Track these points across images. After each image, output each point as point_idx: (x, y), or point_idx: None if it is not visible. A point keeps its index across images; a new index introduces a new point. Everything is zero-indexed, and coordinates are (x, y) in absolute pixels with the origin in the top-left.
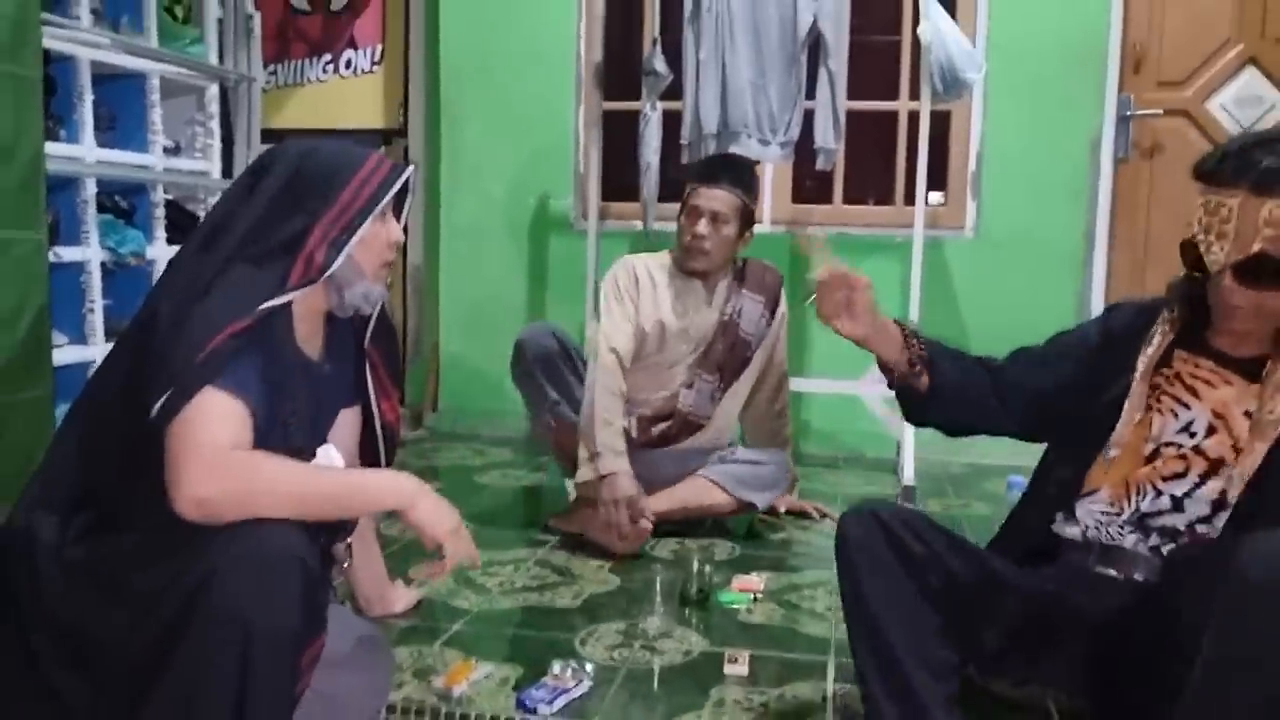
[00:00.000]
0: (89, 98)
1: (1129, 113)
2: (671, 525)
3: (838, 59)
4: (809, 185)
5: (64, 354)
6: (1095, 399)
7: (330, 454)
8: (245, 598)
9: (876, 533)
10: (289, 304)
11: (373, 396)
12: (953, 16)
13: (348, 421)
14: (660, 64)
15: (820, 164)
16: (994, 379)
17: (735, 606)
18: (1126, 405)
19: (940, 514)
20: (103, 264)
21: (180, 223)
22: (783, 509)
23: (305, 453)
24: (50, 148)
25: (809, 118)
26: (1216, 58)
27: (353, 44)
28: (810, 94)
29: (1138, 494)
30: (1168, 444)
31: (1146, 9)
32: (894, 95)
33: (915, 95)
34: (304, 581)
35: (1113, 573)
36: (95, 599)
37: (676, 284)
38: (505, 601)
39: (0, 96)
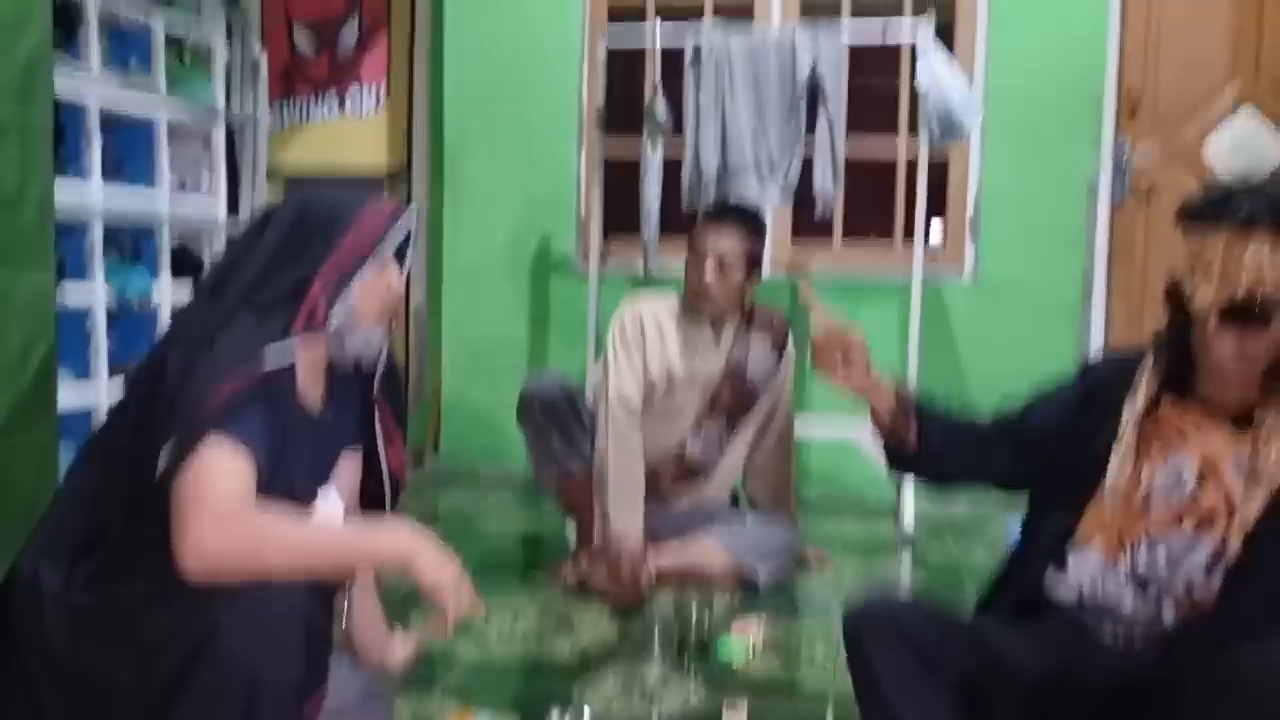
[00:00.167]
0: (97, 141)
1: (1125, 157)
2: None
3: (836, 105)
4: (808, 228)
5: (68, 396)
6: (1080, 450)
7: (330, 498)
8: (249, 649)
9: (888, 630)
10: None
11: (379, 444)
12: (950, 57)
13: (349, 466)
14: (661, 109)
15: (819, 209)
16: (979, 433)
17: (734, 655)
18: (1117, 451)
19: (940, 561)
20: (108, 306)
21: (185, 264)
22: None
23: (306, 503)
24: (58, 191)
25: (808, 161)
26: (1212, 100)
27: (358, 85)
28: (809, 136)
29: (1132, 548)
30: (1158, 492)
31: (1142, 54)
32: (892, 138)
33: (914, 138)
34: (307, 633)
35: (1110, 633)
36: (101, 647)
37: (684, 328)
38: (504, 650)
39: (10, 143)
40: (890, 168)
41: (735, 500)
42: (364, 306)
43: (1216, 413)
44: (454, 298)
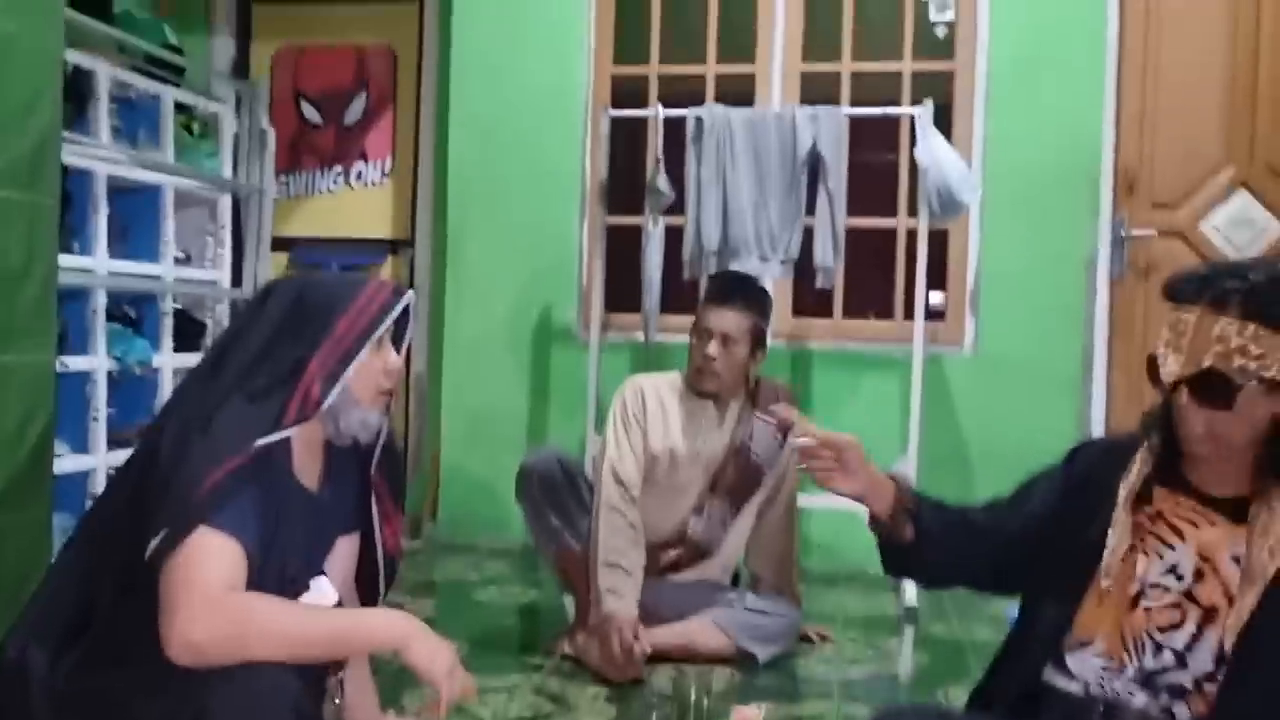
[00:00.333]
0: (104, 211)
1: (1123, 234)
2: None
3: (836, 180)
4: (809, 300)
5: (65, 463)
6: (1071, 538)
7: (324, 587)
8: None
9: None
10: (287, 435)
11: (376, 525)
12: (948, 139)
13: (346, 549)
14: (663, 182)
15: (820, 282)
16: (972, 533)
17: None
18: (1111, 535)
19: (943, 637)
20: (108, 373)
21: (188, 331)
22: None
23: (299, 583)
24: (62, 260)
25: (809, 235)
26: (1208, 181)
27: (363, 157)
28: (810, 212)
29: (1137, 649)
30: (1154, 585)
31: (1138, 135)
32: (892, 212)
33: (913, 213)
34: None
35: None
36: None
37: (687, 405)
38: None
39: (17, 222)
40: (890, 241)
41: (736, 577)
42: (360, 387)
43: (1211, 505)
44: (454, 367)
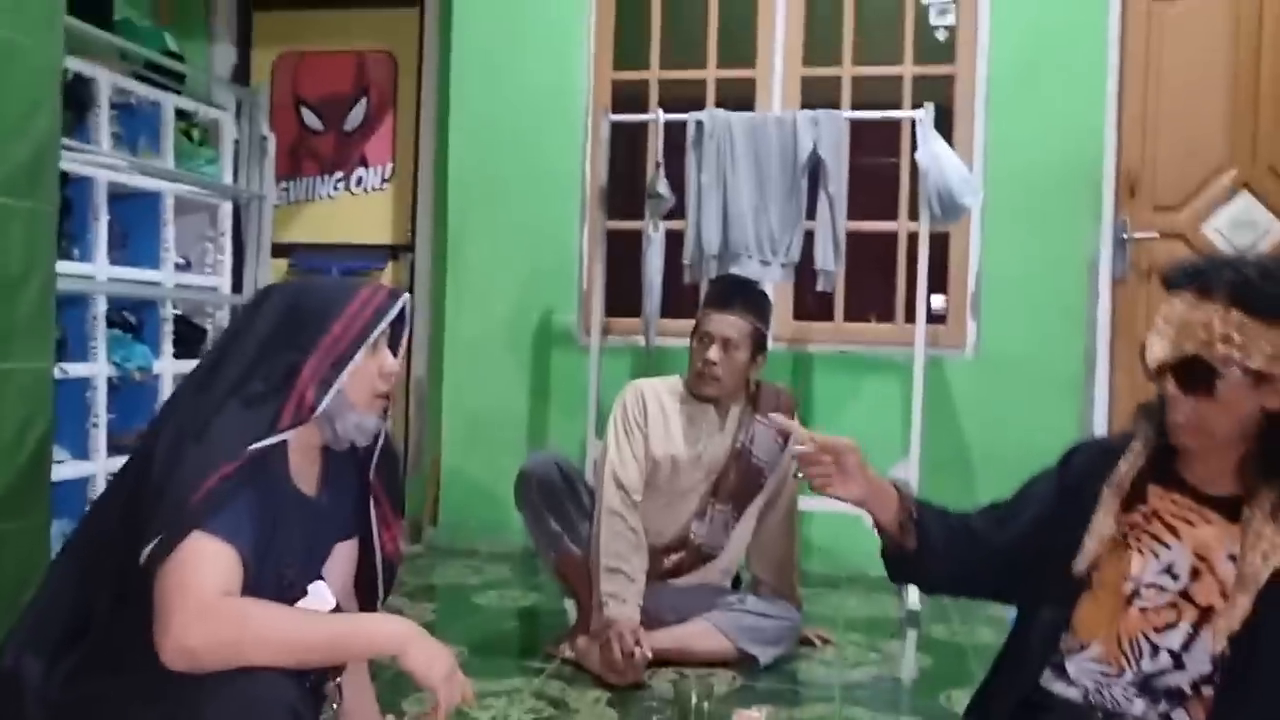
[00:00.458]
0: (104, 218)
1: (1125, 236)
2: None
3: (837, 184)
4: (810, 304)
5: (65, 470)
6: (1066, 541)
7: (322, 592)
8: None
9: None
10: (283, 440)
11: (374, 530)
12: (949, 141)
13: (344, 554)
14: (663, 187)
15: (821, 285)
16: (974, 541)
17: None
18: (1095, 519)
19: (945, 640)
20: (108, 379)
21: (188, 337)
22: None
23: (297, 588)
24: (62, 266)
25: (809, 239)
26: (1210, 183)
27: (364, 163)
28: (811, 216)
29: (1134, 651)
30: (1149, 585)
31: (1139, 135)
32: (893, 215)
33: (914, 216)
34: None
35: None
36: None
37: (688, 410)
38: None
39: (16, 229)
40: (891, 244)
41: (738, 580)
42: (355, 391)
43: (1207, 504)
44: (455, 371)
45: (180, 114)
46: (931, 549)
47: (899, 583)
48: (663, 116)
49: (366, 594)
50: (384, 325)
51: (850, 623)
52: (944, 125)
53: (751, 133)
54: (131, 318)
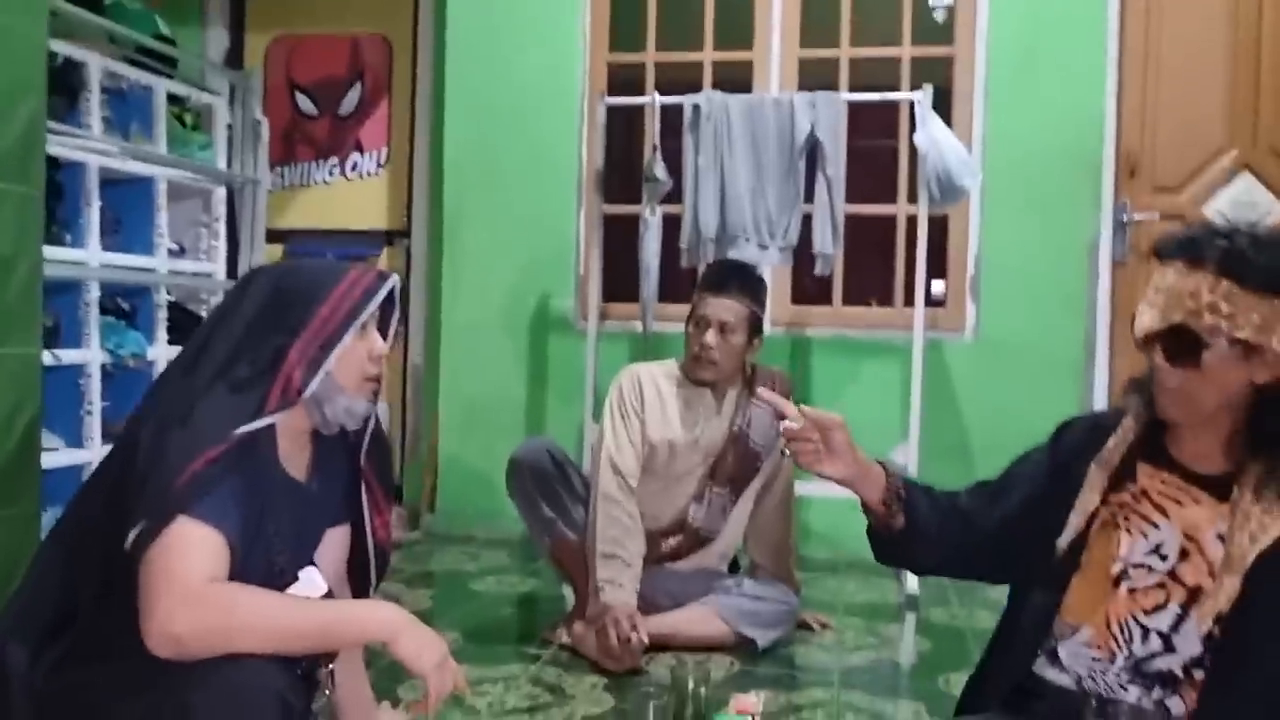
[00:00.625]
0: (96, 203)
1: (1125, 218)
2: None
3: (835, 166)
4: (808, 287)
5: (58, 457)
6: (1056, 521)
7: (313, 578)
8: None
9: None
10: (271, 424)
11: (366, 515)
12: (948, 124)
13: (336, 540)
14: (660, 170)
15: (819, 269)
16: (964, 521)
17: None
18: (1081, 496)
19: (944, 623)
20: (102, 365)
21: (183, 323)
22: None
23: (288, 574)
24: (54, 252)
25: (807, 221)
26: (1211, 164)
27: (359, 147)
28: (809, 198)
29: (1124, 634)
30: (1137, 565)
31: (1139, 116)
32: (892, 198)
33: (913, 199)
34: (282, 716)
35: None
36: None
37: (685, 394)
38: None
39: (3, 213)
40: (890, 227)
41: (735, 564)
42: (344, 375)
43: (1196, 483)
44: (451, 357)
45: (172, 99)
46: (919, 529)
47: (886, 564)
48: (659, 99)
49: (359, 580)
50: (373, 307)
51: (849, 607)
52: (943, 107)
53: (749, 115)
54: (125, 304)
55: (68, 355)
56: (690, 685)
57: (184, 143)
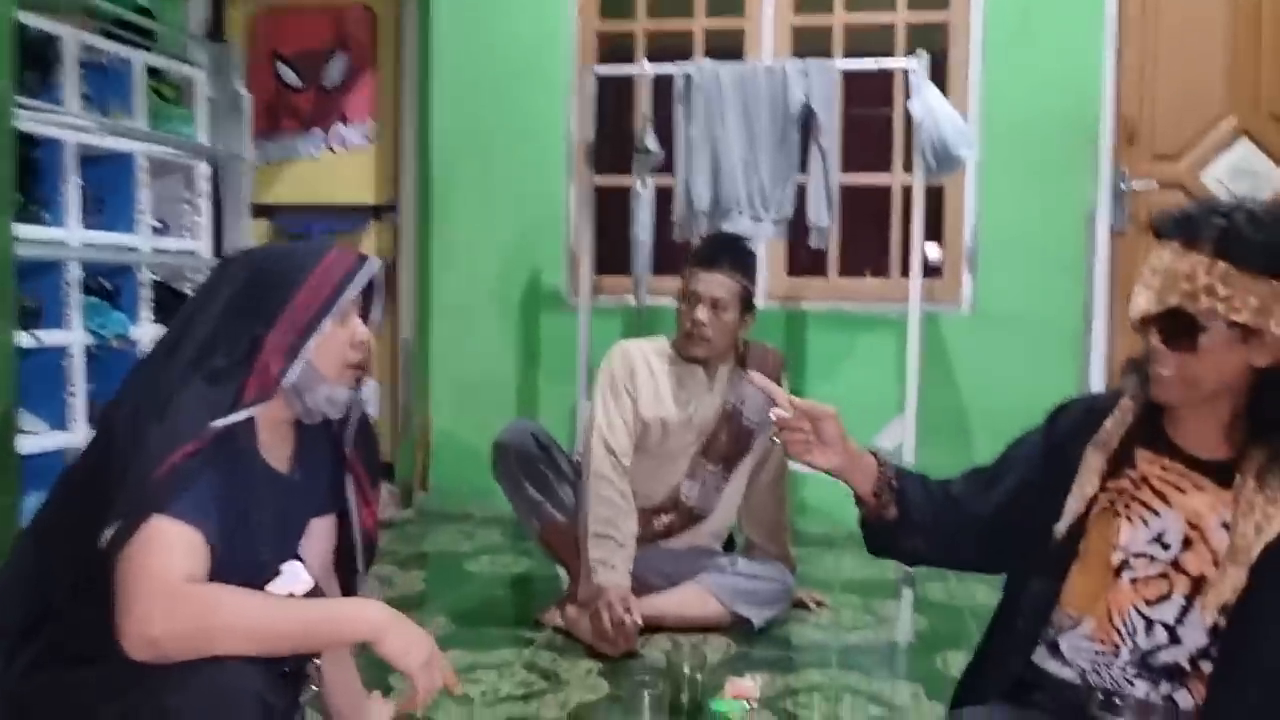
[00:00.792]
0: (74, 181)
1: (1124, 186)
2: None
3: (829, 136)
4: (804, 260)
5: (41, 441)
6: (1053, 508)
7: (297, 572)
8: None
9: None
10: (250, 416)
11: (352, 505)
12: (944, 92)
13: (322, 530)
14: (651, 141)
15: (813, 241)
16: (958, 510)
17: (728, 717)
18: (1078, 480)
19: (942, 600)
20: (86, 347)
21: (168, 303)
22: None
23: (270, 568)
24: (33, 232)
25: (802, 193)
26: (1209, 131)
27: (344, 120)
28: (803, 169)
29: (1127, 626)
30: (1138, 555)
31: (1138, 83)
32: (887, 168)
33: (909, 169)
34: (263, 719)
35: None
36: None
37: (677, 372)
38: (488, 715)
39: None
40: (886, 198)
41: (730, 541)
42: (324, 363)
43: (1198, 469)
44: (442, 333)
45: (152, 72)
46: (912, 519)
47: (878, 555)
48: (650, 68)
49: (346, 570)
50: (352, 293)
51: (846, 584)
52: (938, 75)
53: (741, 84)
54: (108, 284)
55: (49, 337)
56: (686, 670)
57: (164, 117)
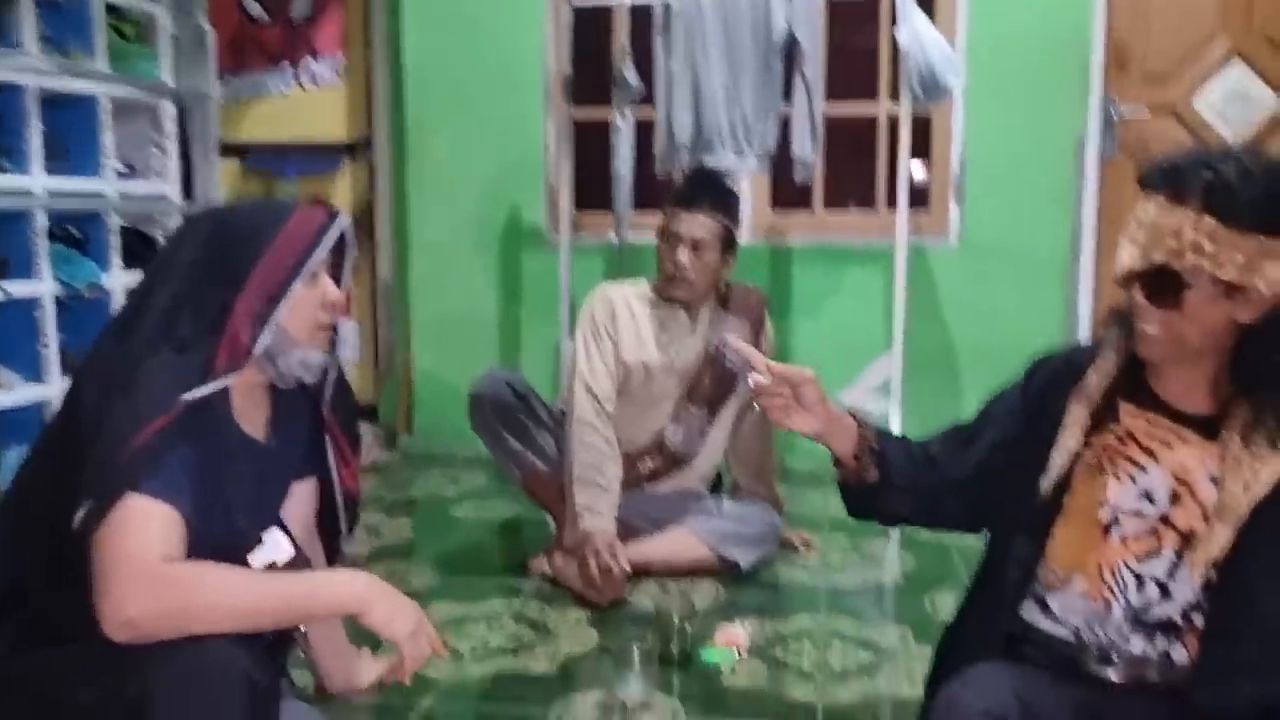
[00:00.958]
0: (36, 126)
1: (1114, 114)
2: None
3: (813, 66)
4: (788, 193)
5: (16, 395)
6: (1034, 465)
7: (277, 541)
8: (187, 717)
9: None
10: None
11: (332, 467)
12: (931, 18)
13: (303, 494)
14: (631, 74)
15: (798, 175)
16: (938, 470)
17: (718, 666)
18: (1062, 433)
19: (929, 540)
20: (57, 298)
21: (138, 250)
22: None
23: (250, 538)
24: None
25: (786, 125)
26: (1202, 54)
27: (313, 54)
28: (786, 99)
29: (1118, 583)
30: (1127, 511)
31: (1130, 7)
32: (873, 98)
33: (896, 97)
34: (249, 696)
35: (1120, 675)
36: (30, 717)
37: (659, 315)
38: (478, 669)
39: None
40: (871, 127)
41: (718, 483)
42: (296, 326)
43: (1184, 423)
44: (421, 272)
45: (111, 9)
46: (893, 481)
47: (858, 517)
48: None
49: (329, 532)
50: (322, 253)
51: (834, 522)
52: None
53: (722, 13)
54: (76, 232)
55: (18, 289)
56: (675, 621)
57: (126, 57)
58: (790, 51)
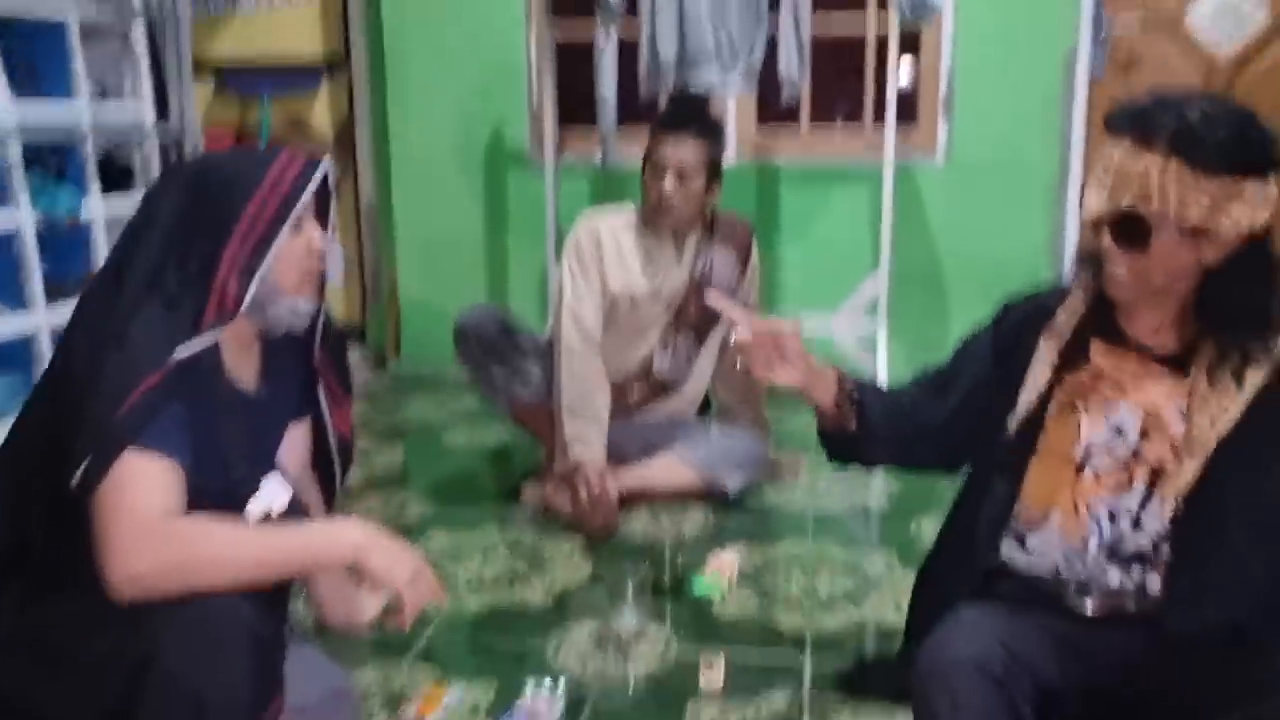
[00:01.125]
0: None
1: (1104, 31)
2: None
3: None
4: (774, 112)
5: (3, 325)
6: (1007, 406)
7: (274, 489)
8: (193, 671)
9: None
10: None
11: (325, 411)
12: None
13: (298, 436)
14: None
15: (785, 96)
16: (915, 416)
17: (709, 596)
18: (1031, 370)
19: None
20: (37, 227)
21: (115, 175)
22: None
23: (248, 485)
24: None
25: (772, 44)
26: None
27: None
28: (774, 8)
29: (1093, 519)
30: (1099, 448)
31: None
32: (860, 15)
33: (885, 7)
34: (254, 646)
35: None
36: (35, 674)
37: (644, 243)
38: (474, 602)
39: None
40: (859, 45)
41: (707, 406)
42: (283, 275)
43: (1153, 359)
44: (405, 194)
45: None
46: (872, 429)
47: (838, 462)
48: None
49: (324, 476)
50: (305, 199)
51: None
52: None
53: None
54: (52, 160)
55: None
56: (666, 553)
57: None
58: None
